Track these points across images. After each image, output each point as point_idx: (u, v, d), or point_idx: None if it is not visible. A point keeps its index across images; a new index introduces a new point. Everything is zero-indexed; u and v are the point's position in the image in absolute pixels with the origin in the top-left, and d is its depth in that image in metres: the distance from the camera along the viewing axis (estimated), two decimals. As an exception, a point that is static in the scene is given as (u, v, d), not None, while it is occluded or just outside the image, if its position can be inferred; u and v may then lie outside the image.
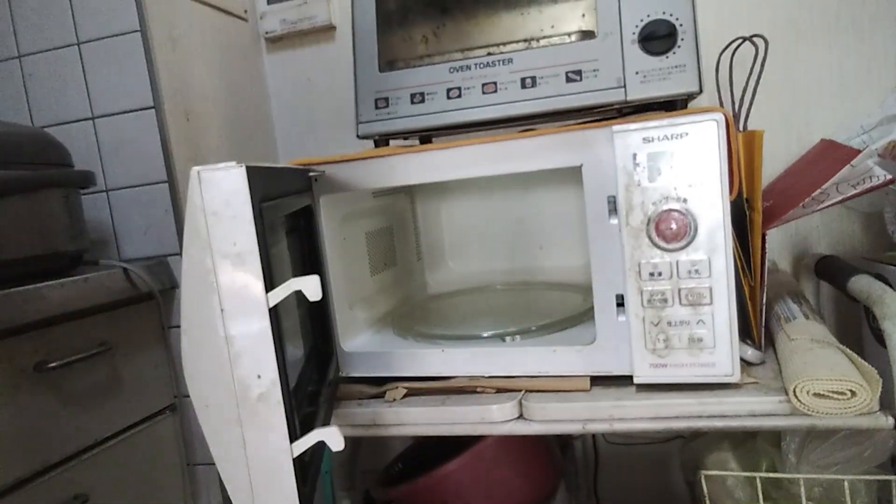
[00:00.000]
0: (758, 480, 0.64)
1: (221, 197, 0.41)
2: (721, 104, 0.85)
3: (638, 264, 0.56)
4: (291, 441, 0.43)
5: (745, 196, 0.62)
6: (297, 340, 0.61)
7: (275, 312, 0.43)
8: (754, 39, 0.79)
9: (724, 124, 0.53)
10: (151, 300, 0.79)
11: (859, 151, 0.61)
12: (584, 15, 0.66)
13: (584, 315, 0.69)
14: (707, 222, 0.54)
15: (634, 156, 0.55)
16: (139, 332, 0.79)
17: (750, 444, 0.75)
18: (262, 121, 1.11)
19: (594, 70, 0.65)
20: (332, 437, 0.46)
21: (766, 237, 0.61)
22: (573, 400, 0.59)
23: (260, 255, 0.42)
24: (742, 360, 0.58)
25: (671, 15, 0.62)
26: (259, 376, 0.43)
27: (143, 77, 0.82)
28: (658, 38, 0.62)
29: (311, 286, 0.45)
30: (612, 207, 0.57)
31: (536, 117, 0.69)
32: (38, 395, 0.64)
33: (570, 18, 0.67)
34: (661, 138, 0.54)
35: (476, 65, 0.68)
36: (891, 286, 0.58)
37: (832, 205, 0.61)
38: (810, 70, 0.92)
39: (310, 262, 0.66)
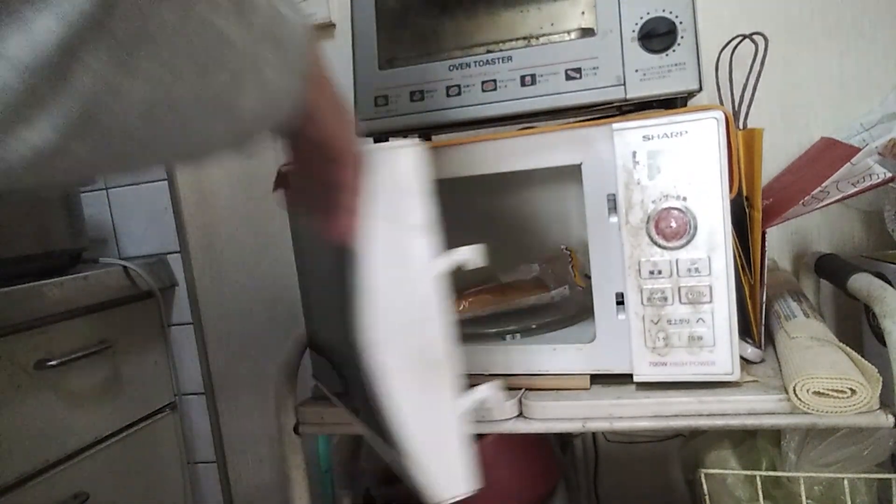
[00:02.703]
0: (758, 479, 0.64)
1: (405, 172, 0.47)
2: (721, 102, 0.85)
3: (638, 262, 0.56)
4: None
5: (744, 194, 0.62)
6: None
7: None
8: (754, 37, 0.79)
9: (723, 122, 0.53)
10: (151, 298, 0.79)
11: (859, 149, 0.61)
12: (583, 13, 0.66)
13: (584, 313, 0.69)
14: (707, 220, 0.54)
15: (634, 154, 0.55)
16: (139, 331, 0.79)
17: (750, 442, 0.75)
18: (261, 119, 1.11)
19: (594, 68, 0.64)
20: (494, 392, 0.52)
21: (766, 235, 0.61)
22: (573, 398, 0.59)
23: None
24: (742, 358, 0.58)
25: (671, 13, 0.62)
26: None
27: (143, 75, 0.81)
28: (658, 35, 0.62)
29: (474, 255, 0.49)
30: (612, 206, 0.57)
31: (536, 115, 0.68)
32: (39, 394, 0.64)
33: (569, 16, 0.66)
34: (660, 136, 0.54)
35: (475, 62, 0.68)
36: (891, 284, 0.58)
37: (832, 203, 0.61)
38: (810, 68, 0.92)
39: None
